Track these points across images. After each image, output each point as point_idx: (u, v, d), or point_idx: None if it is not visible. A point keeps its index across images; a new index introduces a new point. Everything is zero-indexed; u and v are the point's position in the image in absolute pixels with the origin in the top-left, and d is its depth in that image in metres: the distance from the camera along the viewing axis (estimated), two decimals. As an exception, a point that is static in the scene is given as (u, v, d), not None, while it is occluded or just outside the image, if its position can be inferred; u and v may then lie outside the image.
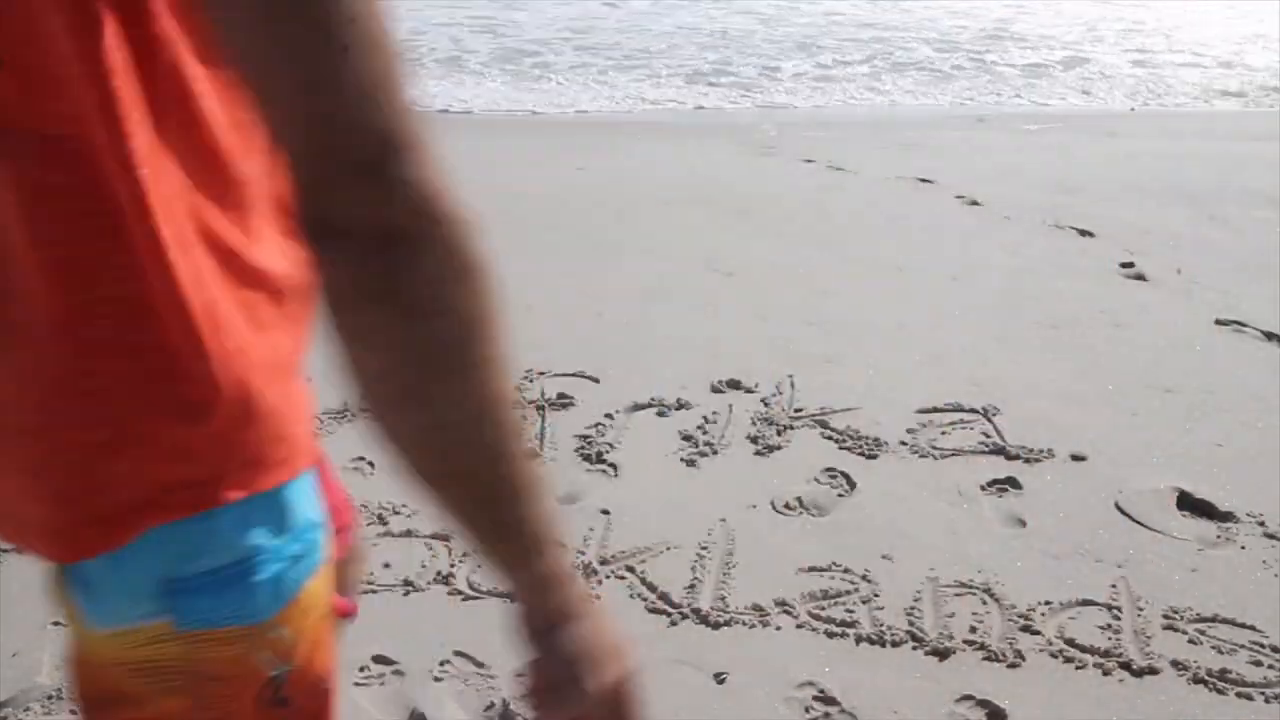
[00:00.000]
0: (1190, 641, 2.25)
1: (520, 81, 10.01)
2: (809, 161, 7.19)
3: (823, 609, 2.35)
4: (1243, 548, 2.60)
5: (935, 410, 3.32)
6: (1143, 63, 11.41)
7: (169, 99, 0.62)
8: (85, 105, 0.58)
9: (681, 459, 3.03)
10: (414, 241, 0.61)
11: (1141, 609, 2.35)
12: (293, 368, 0.75)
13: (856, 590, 2.42)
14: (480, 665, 2.16)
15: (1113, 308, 4.27)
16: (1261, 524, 2.69)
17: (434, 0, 12.89)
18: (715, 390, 3.46)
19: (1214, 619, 2.32)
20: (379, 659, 2.17)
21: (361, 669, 2.15)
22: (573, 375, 3.57)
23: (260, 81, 0.57)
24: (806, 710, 2.06)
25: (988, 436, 3.15)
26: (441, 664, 2.16)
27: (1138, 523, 2.71)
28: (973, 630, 2.27)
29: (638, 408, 3.34)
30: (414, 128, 0.59)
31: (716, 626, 2.29)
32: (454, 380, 0.65)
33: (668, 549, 2.57)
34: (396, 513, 2.72)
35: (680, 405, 3.35)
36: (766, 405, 3.35)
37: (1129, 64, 11.38)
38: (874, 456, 3.04)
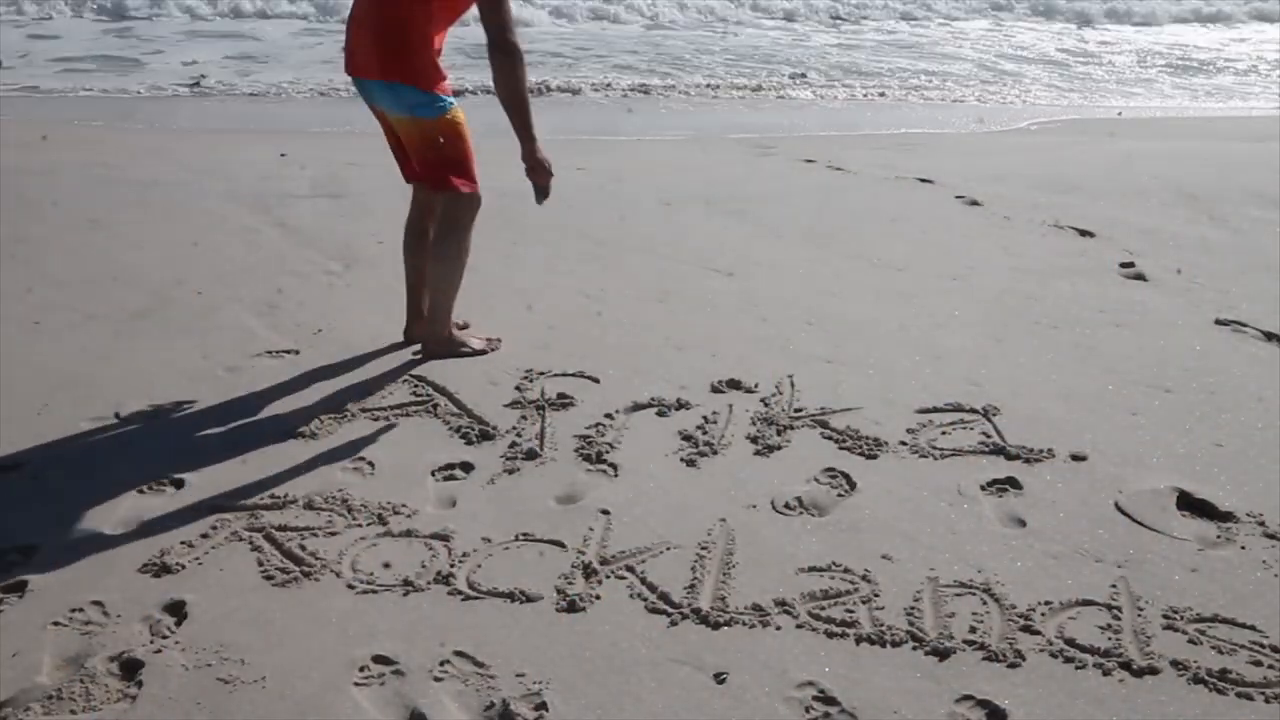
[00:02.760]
0: (1190, 641, 2.25)
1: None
2: (809, 161, 7.19)
3: (823, 609, 2.35)
4: (1243, 548, 2.60)
5: (935, 410, 3.32)
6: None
7: None
8: None
9: (681, 459, 3.03)
10: (504, 51, 3.31)
11: (1141, 609, 2.35)
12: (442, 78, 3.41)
13: (856, 590, 2.42)
14: (480, 665, 2.16)
15: (1113, 308, 4.27)
16: (1261, 524, 2.69)
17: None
18: (715, 390, 3.46)
19: (1214, 619, 2.32)
20: (379, 659, 2.17)
21: (361, 669, 2.15)
22: (573, 375, 3.57)
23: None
24: (806, 710, 2.05)
25: (988, 436, 3.15)
26: (441, 664, 2.16)
27: (1138, 523, 2.70)
28: (973, 630, 2.27)
29: (638, 408, 3.34)
30: (510, 26, 3.30)
31: (716, 626, 2.29)
32: (508, 85, 3.34)
33: (668, 549, 2.57)
34: (396, 513, 2.72)
35: (680, 405, 3.35)
36: (766, 405, 3.35)
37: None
38: (874, 456, 3.03)
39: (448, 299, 3.68)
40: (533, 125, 3.40)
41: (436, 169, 3.51)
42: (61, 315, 4.09)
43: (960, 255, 4.97)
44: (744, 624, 2.30)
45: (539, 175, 3.49)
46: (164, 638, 2.23)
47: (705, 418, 3.25)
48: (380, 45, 3.37)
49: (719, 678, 2.13)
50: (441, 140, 3.44)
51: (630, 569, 2.49)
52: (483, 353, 3.73)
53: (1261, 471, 2.96)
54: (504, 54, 3.29)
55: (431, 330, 3.70)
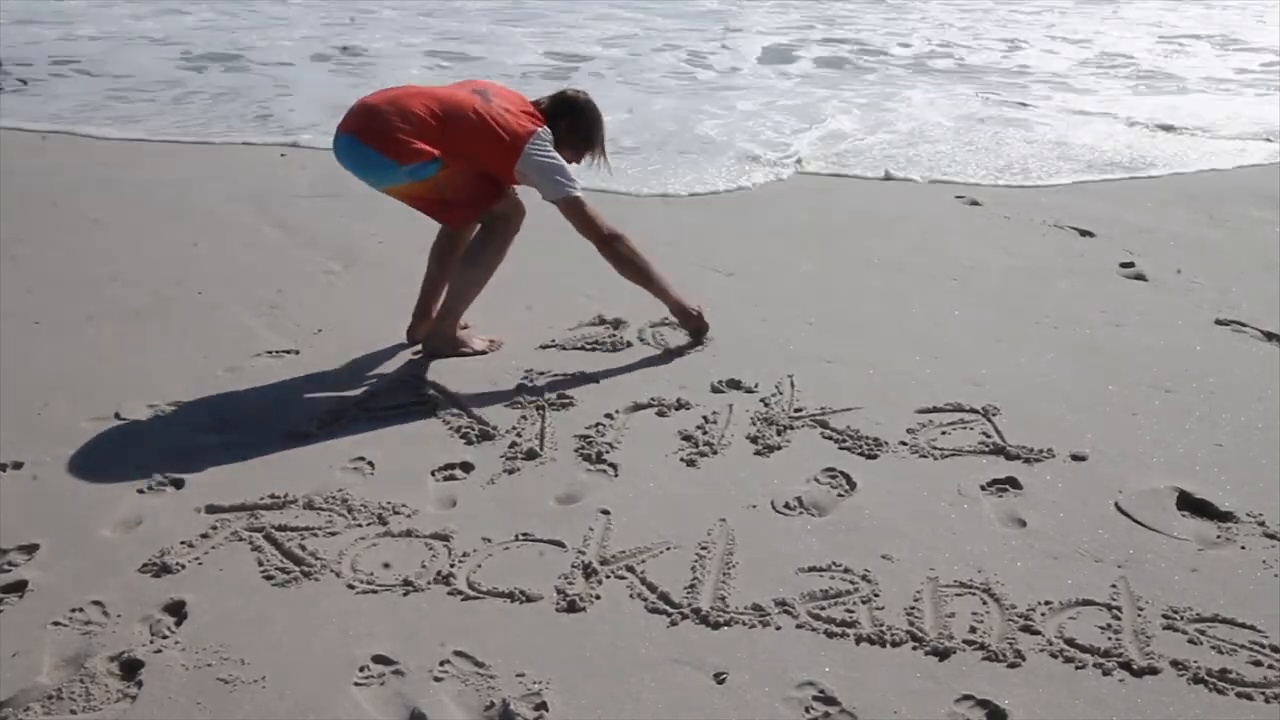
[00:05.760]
0: (1190, 641, 2.25)
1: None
2: (811, 162, 7.18)
3: (823, 609, 2.35)
4: (1243, 548, 2.60)
5: (935, 410, 3.32)
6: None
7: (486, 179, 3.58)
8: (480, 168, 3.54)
9: (681, 459, 3.02)
10: (611, 250, 3.65)
11: (1141, 609, 2.35)
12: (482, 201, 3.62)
13: (856, 590, 2.42)
14: (480, 665, 2.16)
15: (1113, 308, 4.27)
16: (1261, 524, 2.69)
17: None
18: (715, 390, 3.46)
19: (1214, 619, 2.32)
20: (379, 659, 2.17)
21: (361, 669, 2.15)
22: (573, 375, 3.57)
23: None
24: (806, 710, 2.05)
25: (988, 436, 3.15)
26: (441, 664, 2.16)
27: (1138, 523, 2.70)
28: (973, 630, 2.27)
29: (638, 408, 3.34)
30: (602, 227, 3.63)
31: (716, 626, 2.29)
32: (625, 271, 3.71)
33: (668, 549, 2.57)
34: (396, 513, 2.72)
35: (680, 405, 3.35)
36: (766, 405, 3.35)
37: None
38: (874, 456, 3.03)
39: (464, 302, 3.70)
40: (668, 287, 3.74)
41: (458, 210, 3.63)
42: (61, 315, 4.09)
43: (960, 255, 4.97)
44: (744, 624, 2.30)
45: (691, 323, 3.83)
46: (164, 638, 2.23)
47: (705, 418, 3.25)
48: (391, 125, 3.38)
49: (719, 678, 2.13)
50: (444, 188, 3.51)
51: (630, 569, 2.49)
52: (484, 353, 3.74)
53: (1261, 471, 2.96)
54: (610, 253, 3.63)
55: (438, 328, 3.71)
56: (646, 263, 3.70)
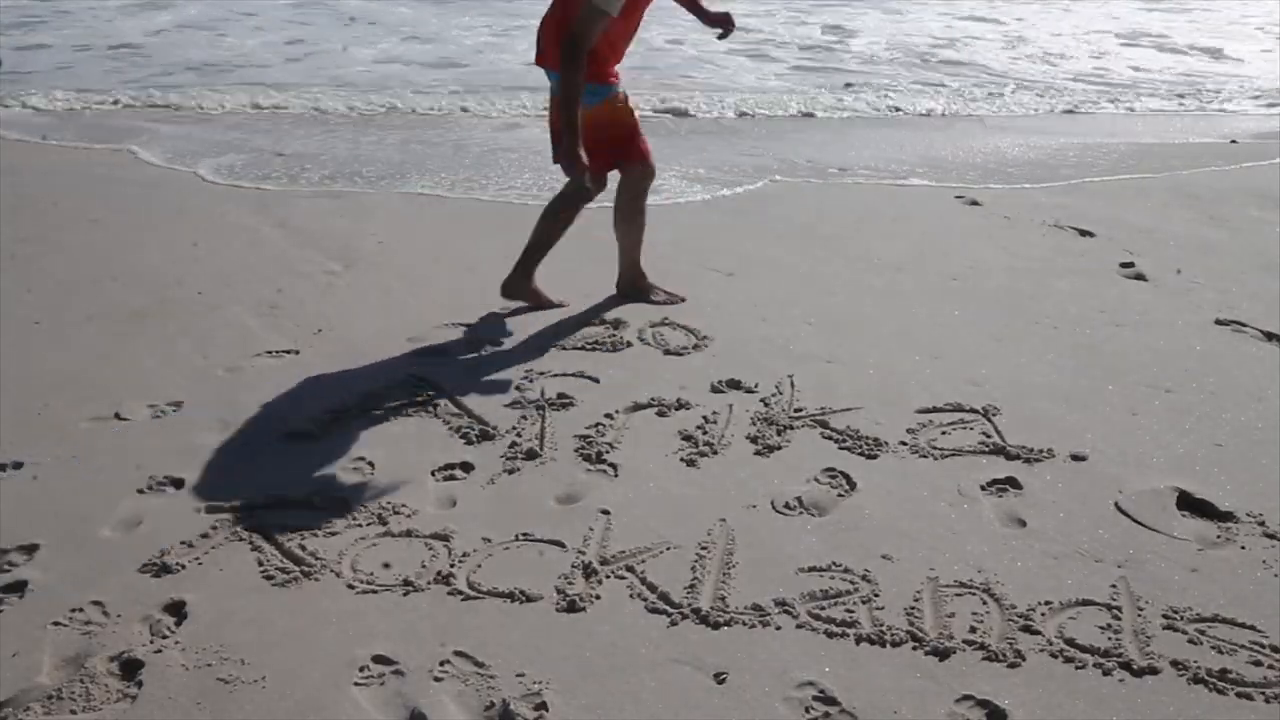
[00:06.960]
0: (1190, 641, 2.25)
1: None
2: (809, 162, 7.19)
3: (823, 609, 2.35)
4: (1243, 548, 2.60)
5: (935, 410, 3.32)
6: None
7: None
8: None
9: (681, 459, 3.03)
10: (566, 51, 3.56)
11: (1141, 609, 2.35)
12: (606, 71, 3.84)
13: (856, 590, 2.42)
14: (480, 665, 2.16)
15: (1113, 308, 4.27)
16: (1261, 524, 2.69)
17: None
18: (715, 390, 3.46)
19: (1214, 619, 2.32)
20: (379, 659, 2.18)
21: (361, 669, 2.15)
22: (573, 375, 3.57)
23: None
24: (806, 710, 2.06)
25: (988, 436, 3.15)
26: (441, 664, 2.16)
27: (1138, 523, 2.70)
28: (973, 630, 2.27)
29: (638, 408, 3.34)
30: (578, 40, 3.55)
31: (716, 626, 2.29)
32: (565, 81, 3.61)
33: (668, 549, 2.57)
34: (396, 513, 2.72)
35: (680, 405, 3.35)
36: (766, 405, 3.35)
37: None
38: (874, 456, 3.03)
39: (636, 252, 4.28)
40: (576, 131, 3.64)
41: (602, 152, 3.85)
42: (61, 315, 4.09)
43: (960, 255, 4.97)
44: (744, 624, 2.30)
45: (572, 167, 3.75)
46: (164, 638, 2.23)
47: (705, 418, 3.25)
48: (552, 36, 3.74)
49: (719, 678, 2.13)
50: (603, 124, 3.79)
51: (630, 569, 2.49)
52: (668, 303, 4.22)
53: (1261, 471, 2.96)
54: (566, 59, 3.59)
55: (628, 274, 4.30)
56: (576, 94, 3.63)
